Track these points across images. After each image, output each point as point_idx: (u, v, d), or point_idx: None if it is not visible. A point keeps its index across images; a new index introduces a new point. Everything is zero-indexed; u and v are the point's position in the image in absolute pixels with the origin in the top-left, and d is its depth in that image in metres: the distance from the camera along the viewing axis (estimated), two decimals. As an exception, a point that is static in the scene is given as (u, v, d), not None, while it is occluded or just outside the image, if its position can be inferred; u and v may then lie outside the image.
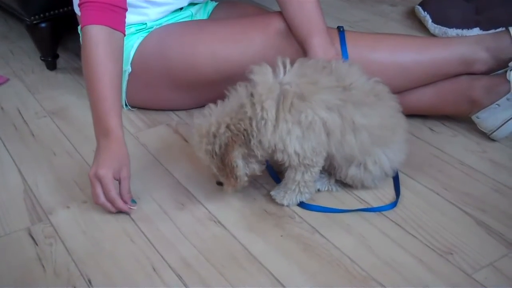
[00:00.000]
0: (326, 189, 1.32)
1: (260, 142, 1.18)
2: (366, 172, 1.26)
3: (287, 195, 1.27)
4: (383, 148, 1.25)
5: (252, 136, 1.17)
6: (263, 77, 1.19)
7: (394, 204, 1.27)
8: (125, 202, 1.26)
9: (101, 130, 1.29)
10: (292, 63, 1.23)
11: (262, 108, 1.15)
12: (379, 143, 1.24)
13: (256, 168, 1.24)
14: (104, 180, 1.23)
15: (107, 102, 1.29)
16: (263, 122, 1.16)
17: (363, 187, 1.31)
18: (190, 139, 1.25)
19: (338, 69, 1.23)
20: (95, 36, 1.33)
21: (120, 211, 1.27)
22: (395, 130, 1.26)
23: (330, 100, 1.17)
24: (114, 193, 1.24)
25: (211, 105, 1.23)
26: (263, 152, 1.20)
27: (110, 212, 1.27)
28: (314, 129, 1.16)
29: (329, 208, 1.27)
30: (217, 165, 1.20)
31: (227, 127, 1.18)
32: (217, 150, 1.18)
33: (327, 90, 1.18)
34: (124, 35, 1.39)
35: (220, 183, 1.26)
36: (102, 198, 1.25)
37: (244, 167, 1.21)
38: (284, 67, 1.20)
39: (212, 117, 1.20)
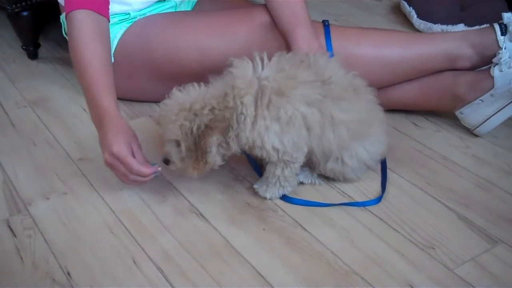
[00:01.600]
0: (309, 182, 1.32)
1: (237, 136, 1.16)
2: (344, 165, 1.26)
3: (269, 188, 1.26)
4: (360, 142, 1.25)
5: (232, 128, 1.15)
6: (242, 71, 1.17)
7: (378, 200, 1.27)
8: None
9: (96, 113, 1.27)
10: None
11: (242, 103, 1.14)
12: (356, 138, 1.23)
13: (219, 160, 1.19)
14: (122, 154, 1.19)
15: (98, 83, 1.28)
16: (242, 117, 1.14)
17: (346, 180, 1.31)
18: (163, 107, 1.20)
19: (317, 62, 1.22)
20: (81, 20, 1.32)
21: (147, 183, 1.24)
22: (372, 123, 1.26)
23: (309, 95, 1.16)
24: (136, 165, 1.19)
25: (195, 84, 1.19)
26: (237, 147, 1.18)
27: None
28: (294, 124, 1.15)
29: (312, 201, 1.26)
30: (188, 144, 1.16)
31: (212, 110, 1.14)
32: (194, 129, 1.15)
33: (306, 84, 1.17)
34: (109, 20, 1.38)
35: (167, 161, 1.22)
36: (131, 176, 1.20)
37: (216, 155, 1.17)
38: (262, 61, 1.18)
39: (197, 94, 1.17)
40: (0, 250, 1.15)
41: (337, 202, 1.26)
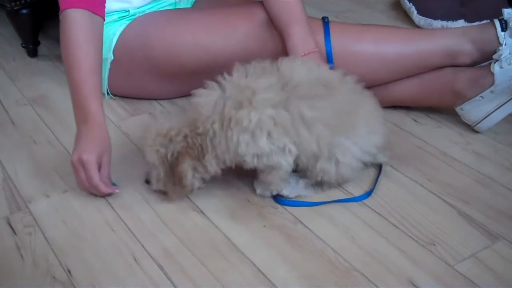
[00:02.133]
0: (294, 196, 1.27)
1: (216, 157, 1.18)
2: (340, 164, 1.23)
3: (262, 186, 1.27)
4: (347, 136, 1.22)
5: (207, 152, 1.17)
6: (206, 98, 1.18)
7: (368, 194, 1.27)
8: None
9: (81, 115, 1.28)
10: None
11: (213, 131, 1.16)
12: (340, 132, 1.20)
13: (198, 183, 1.22)
14: (88, 165, 1.22)
15: (86, 86, 1.28)
16: (217, 141, 1.16)
17: (343, 180, 1.28)
18: (147, 131, 1.22)
19: (284, 66, 1.21)
20: (74, 19, 1.32)
21: (99, 196, 1.26)
22: (355, 114, 1.23)
23: (271, 98, 1.15)
24: (97, 180, 1.23)
25: (177, 112, 1.25)
26: (216, 168, 1.20)
27: (93, 195, 1.27)
28: (262, 127, 1.14)
29: (302, 202, 1.26)
30: (165, 170, 1.20)
31: (185, 137, 1.18)
32: (168, 156, 1.19)
33: (265, 89, 1.16)
34: (104, 19, 1.38)
35: (148, 182, 1.26)
36: (87, 184, 1.23)
37: (192, 178, 1.20)
38: (223, 83, 1.19)
39: (174, 121, 1.20)
40: (0, 248, 1.15)
41: (331, 200, 1.26)
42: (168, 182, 1.22)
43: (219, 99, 1.17)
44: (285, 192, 1.26)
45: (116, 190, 1.27)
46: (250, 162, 1.17)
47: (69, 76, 1.31)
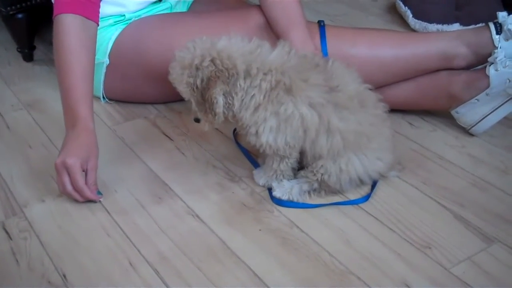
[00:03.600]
0: (286, 198, 1.27)
1: (238, 110, 1.18)
2: (341, 171, 1.23)
3: (264, 177, 1.30)
4: (357, 153, 1.23)
5: (236, 93, 1.16)
6: (268, 52, 1.19)
7: (366, 198, 1.27)
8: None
9: (70, 119, 1.29)
10: None
11: (259, 86, 1.16)
12: (352, 149, 1.22)
13: (226, 112, 1.18)
14: (72, 169, 1.21)
15: (77, 91, 1.29)
16: (248, 97, 1.16)
17: (334, 184, 1.26)
18: (170, 70, 1.21)
19: (334, 69, 1.22)
20: (67, 25, 1.32)
21: (86, 200, 1.26)
22: (373, 138, 1.24)
23: (314, 97, 1.17)
24: (82, 183, 1.23)
25: (196, 39, 1.20)
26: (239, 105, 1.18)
27: (77, 201, 1.26)
28: (292, 123, 1.16)
29: (302, 203, 1.26)
30: (196, 99, 1.17)
31: (212, 60, 1.15)
32: (198, 83, 1.15)
33: (314, 87, 1.17)
34: (98, 25, 1.39)
35: (197, 120, 1.23)
36: (69, 187, 1.23)
37: (224, 104, 1.17)
38: (289, 52, 1.20)
39: (196, 50, 1.17)
40: (-5, 253, 1.15)
41: (329, 202, 1.26)
42: (200, 111, 1.19)
43: (282, 66, 1.17)
44: (277, 193, 1.27)
45: (100, 199, 1.26)
46: (264, 144, 1.20)
47: (60, 81, 1.32)
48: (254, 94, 1.16)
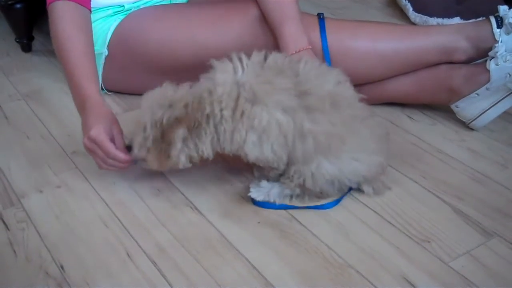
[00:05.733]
0: (262, 199, 1.23)
1: (215, 141, 1.15)
2: (313, 175, 1.18)
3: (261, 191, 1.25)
4: (327, 156, 1.16)
5: (205, 132, 1.14)
6: (222, 76, 1.14)
7: (334, 203, 1.23)
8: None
9: (80, 101, 1.28)
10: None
11: (222, 117, 1.12)
12: (323, 151, 1.15)
13: (183, 160, 1.17)
14: (99, 138, 1.19)
15: (81, 70, 1.30)
16: (222, 128, 1.13)
17: (327, 196, 1.24)
18: (149, 93, 1.20)
19: (306, 72, 1.16)
20: (62, 12, 1.34)
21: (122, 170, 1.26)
22: (346, 139, 1.16)
23: (285, 101, 1.12)
24: (114, 150, 1.20)
25: (186, 84, 1.19)
26: (210, 152, 1.16)
27: (119, 170, 1.25)
28: (270, 133, 1.11)
29: (280, 205, 1.23)
30: (155, 134, 1.15)
31: (186, 106, 1.13)
32: (164, 119, 1.13)
33: (282, 91, 1.12)
34: (90, 11, 1.40)
35: (129, 148, 1.21)
36: (108, 159, 1.21)
37: (180, 151, 1.15)
38: (242, 63, 1.15)
39: (179, 90, 1.17)
40: (-7, 243, 1.15)
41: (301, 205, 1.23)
42: (154, 149, 1.16)
43: (234, 85, 1.13)
44: (253, 194, 1.23)
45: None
46: (252, 159, 1.15)
47: (64, 66, 1.32)
48: (223, 127, 1.13)
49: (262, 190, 1.23)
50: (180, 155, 1.15)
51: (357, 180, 1.23)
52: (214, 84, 1.14)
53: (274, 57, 1.17)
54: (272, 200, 1.23)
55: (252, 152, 1.13)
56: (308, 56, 1.36)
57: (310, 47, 1.39)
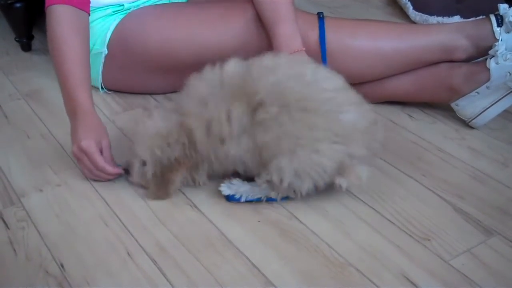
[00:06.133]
0: (227, 194, 1.23)
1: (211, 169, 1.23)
2: (277, 173, 1.16)
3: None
4: (284, 154, 1.14)
5: (202, 168, 1.22)
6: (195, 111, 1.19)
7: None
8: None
9: (72, 107, 1.29)
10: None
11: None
12: (277, 152, 1.15)
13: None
14: (90, 150, 1.23)
15: (75, 77, 1.31)
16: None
17: (305, 192, 1.20)
18: (141, 125, 1.24)
19: (258, 82, 1.15)
20: (59, 15, 1.34)
21: (106, 180, 1.29)
22: (301, 134, 1.13)
23: (244, 125, 1.15)
24: (102, 162, 1.24)
25: (171, 109, 1.24)
26: (205, 179, 1.25)
27: (103, 180, 1.29)
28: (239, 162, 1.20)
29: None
30: (155, 171, 1.21)
31: (183, 145, 1.19)
32: (164, 160, 1.19)
33: (238, 120, 1.15)
34: (89, 14, 1.40)
35: (127, 171, 1.26)
36: (95, 171, 1.25)
37: (178, 185, 1.24)
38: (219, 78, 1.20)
39: (173, 123, 1.20)
40: (-7, 242, 1.14)
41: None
42: (153, 182, 1.23)
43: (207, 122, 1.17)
44: (223, 190, 1.23)
45: (123, 171, 1.27)
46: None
47: (58, 70, 1.33)
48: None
49: (232, 187, 1.23)
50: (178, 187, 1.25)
51: (326, 171, 1.17)
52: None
53: (231, 73, 1.19)
54: (242, 199, 1.23)
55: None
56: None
57: (304, 48, 1.39)
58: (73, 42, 1.33)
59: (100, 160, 1.24)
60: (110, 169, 1.25)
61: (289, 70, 1.17)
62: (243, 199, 1.23)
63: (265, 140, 1.14)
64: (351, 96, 1.20)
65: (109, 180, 1.29)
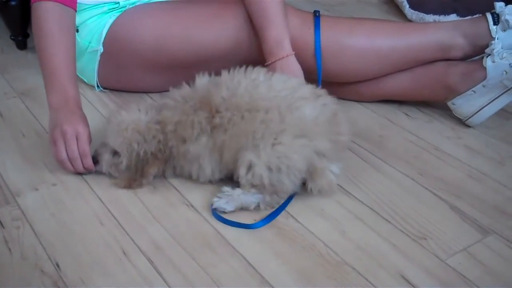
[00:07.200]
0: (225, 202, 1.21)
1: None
2: (251, 170, 1.18)
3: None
4: (247, 148, 1.18)
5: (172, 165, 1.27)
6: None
7: (262, 223, 1.18)
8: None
9: (63, 97, 1.30)
10: None
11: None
12: (239, 147, 1.19)
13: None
14: (69, 136, 1.24)
15: (64, 72, 1.32)
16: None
17: (286, 190, 1.21)
18: (117, 115, 1.27)
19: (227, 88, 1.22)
20: (46, 11, 1.35)
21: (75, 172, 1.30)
22: (254, 132, 1.17)
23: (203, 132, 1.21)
24: (77, 153, 1.26)
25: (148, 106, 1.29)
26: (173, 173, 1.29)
27: (69, 171, 1.30)
28: (203, 160, 1.25)
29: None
30: (130, 163, 1.25)
31: (158, 141, 1.24)
32: (141, 153, 1.23)
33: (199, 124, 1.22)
34: (75, 11, 1.40)
35: (95, 160, 1.28)
36: (65, 154, 1.26)
37: (151, 178, 1.27)
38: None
39: (150, 118, 1.26)
40: (-12, 241, 1.14)
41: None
42: (125, 174, 1.26)
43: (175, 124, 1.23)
44: (214, 200, 1.22)
45: (92, 170, 1.29)
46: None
47: (44, 64, 1.33)
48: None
49: (223, 196, 1.21)
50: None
51: (296, 166, 1.17)
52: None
53: (199, 86, 1.26)
54: (238, 204, 1.20)
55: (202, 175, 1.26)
56: (289, 64, 1.39)
57: (293, 52, 1.39)
58: (60, 39, 1.34)
59: (76, 151, 1.25)
60: (80, 165, 1.27)
61: (243, 79, 1.23)
62: (232, 208, 1.20)
63: (223, 139, 1.19)
64: (306, 92, 1.23)
65: (78, 173, 1.30)
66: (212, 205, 1.20)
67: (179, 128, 1.23)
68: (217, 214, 1.19)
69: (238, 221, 1.17)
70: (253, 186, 1.19)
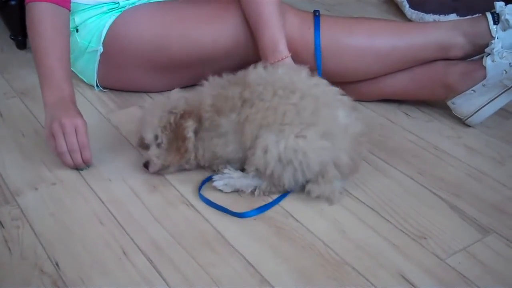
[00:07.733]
0: (222, 184, 1.26)
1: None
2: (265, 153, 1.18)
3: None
4: (272, 130, 1.18)
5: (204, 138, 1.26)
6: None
7: (256, 212, 1.20)
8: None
9: (60, 95, 1.31)
10: None
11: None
12: (263, 126, 1.20)
13: (196, 156, 1.27)
14: (67, 128, 1.25)
15: (59, 71, 1.33)
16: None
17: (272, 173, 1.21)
18: (145, 110, 1.32)
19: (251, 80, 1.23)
20: (40, 12, 1.35)
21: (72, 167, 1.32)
22: (285, 114, 1.17)
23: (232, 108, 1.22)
24: (76, 144, 1.27)
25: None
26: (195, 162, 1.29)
27: (66, 165, 1.31)
28: (228, 136, 1.25)
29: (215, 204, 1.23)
30: (168, 136, 1.24)
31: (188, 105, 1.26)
32: (171, 120, 1.23)
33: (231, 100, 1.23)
34: (69, 11, 1.41)
35: (146, 165, 1.29)
36: (65, 147, 1.27)
37: (194, 142, 1.25)
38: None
39: (173, 99, 1.28)
40: (-13, 241, 1.14)
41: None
42: (170, 150, 1.25)
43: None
44: (214, 178, 1.27)
45: (88, 166, 1.32)
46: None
47: (39, 63, 1.34)
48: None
49: (224, 177, 1.25)
50: (194, 151, 1.26)
51: (309, 165, 1.17)
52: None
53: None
54: (237, 185, 1.24)
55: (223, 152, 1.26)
56: (286, 66, 1.37)
57: (289, 54, 1.39)
58: (55, 39, 1.35)
59: (76, 144, 1.26)
60: (79, 158, 1.28)
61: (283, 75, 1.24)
62: (230, 189, 1.25)
63: (247, 113, 1.19)
64: (345, 98, 1.23)
65: (75, 168, 1.31)
66: (199, 189, 1.25)
67: (216, 100, 1.24)
68: (205, 198, 1.22)
69: (228, 208, 1.20)
70: (256, 170, 1.20)
